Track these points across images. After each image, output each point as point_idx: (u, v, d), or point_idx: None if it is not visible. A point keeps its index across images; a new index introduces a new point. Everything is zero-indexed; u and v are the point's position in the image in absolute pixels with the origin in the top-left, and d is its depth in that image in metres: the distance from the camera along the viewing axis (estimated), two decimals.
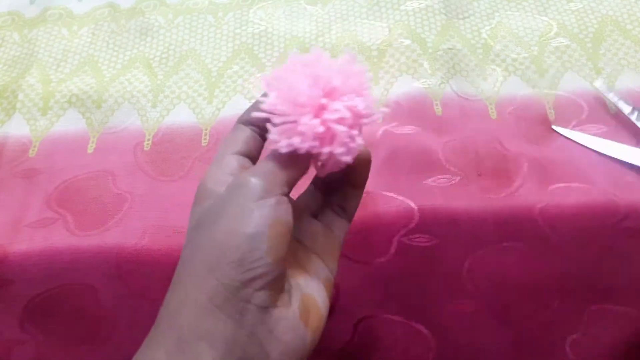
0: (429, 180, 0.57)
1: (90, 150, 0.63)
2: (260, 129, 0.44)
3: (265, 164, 0.39)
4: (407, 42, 0.68)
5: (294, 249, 0.43)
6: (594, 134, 0.59)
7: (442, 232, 0.54)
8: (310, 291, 0.40)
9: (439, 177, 0.57)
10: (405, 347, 0.53)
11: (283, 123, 0.39)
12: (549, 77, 0.64)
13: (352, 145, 0.39)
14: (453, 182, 0.57)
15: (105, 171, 0.61)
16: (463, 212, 0.54)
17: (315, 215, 0.46)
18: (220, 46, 0.70)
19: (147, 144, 0.63)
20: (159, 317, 0.37)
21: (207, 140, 0.63)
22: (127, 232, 0.57)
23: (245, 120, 0.44)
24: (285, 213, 0.38)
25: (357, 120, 0.40)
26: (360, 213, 0.53)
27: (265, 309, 0.36)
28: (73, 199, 0.59)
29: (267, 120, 0.39)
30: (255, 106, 0.43)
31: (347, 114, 0.39)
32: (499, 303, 0.53)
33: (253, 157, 0.44)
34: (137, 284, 0.54)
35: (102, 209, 0.59)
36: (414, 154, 0.59)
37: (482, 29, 0.69)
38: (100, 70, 0.69)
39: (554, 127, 0.60)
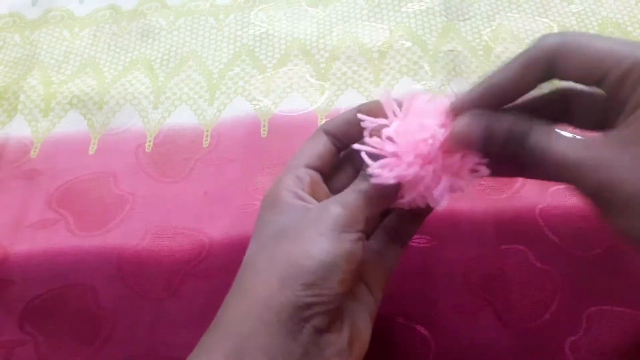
0: None
1: (91, 151, 0.63)
2: (339, 141, 0.45)
3: (351, 196, 0.40)
4: (408, 44, 0.68)
5: None
6: (594, 134, 0.59)
7: (443, 233, 0.54)
8: (359, 322, 0.41)
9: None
10: (406, 349, 0.53)
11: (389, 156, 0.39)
12: None
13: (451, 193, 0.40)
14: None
15: (106, 172, 0.61)
16: (464, 213, 0.54)
17: (368, 238, 0.46)
18: (221, 48, 0.70)
19: (149, 145, 0.63)
20: (218, 318, 0.38)
21: (208, 142, 0.63)
22: (128, 233, 0.57)
23: (328, 130, 0.45)
24: (360, 251, 0.39)
25: (463, 171, 0.40)
26: None
27: (321, 332, 0.37)
28: (74, 200, 0.60)
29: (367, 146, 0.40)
30: (348, 118, 0.44)
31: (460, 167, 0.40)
32: (499, 305, 0.53)
33: (324, 171, 0.44)
34: (139, 285, 0.54)
35: (103, 210, 0.59)
36: None
37: (483, 31, 0.69)
38: (102, 72, 0.69)
39: None
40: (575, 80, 0.36)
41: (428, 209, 0.44)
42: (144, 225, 0.57)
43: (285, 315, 0.36)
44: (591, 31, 0.67)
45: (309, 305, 0.36)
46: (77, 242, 0.56)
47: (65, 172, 0.62)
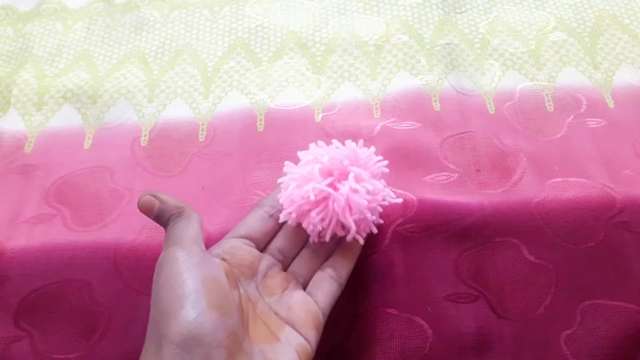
0: (428, 177, 0.57)
1: (86, 146, 0.63)
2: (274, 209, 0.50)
3: (183, 231, 0.44)
4: (405, 38, 0.68)
5: (266, 318, 0.45)
6: (593, 127, 0.60)
7: (439, 223, 0.54)
8: (276, 357, 0.42)
9: (438, 174, 0.57)
10: (402, 340, 0.53)
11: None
12: (547, 70, 0.64)
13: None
14: (451, 179, 0.57)
15: (102, 167, 0.61)
16: (461, 205, 0.54)
17: (307, 280, 0.49)
18: (216, 41, 0.70)
19: (144, 139, 0.63)
20: None
21: (204, 136, 0.62)
22: (125, 228, 0.56)
23: (262, 205, 0.51)
24: (215, 269, 0.43)
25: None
26: None
27: None
28: (71, 195, 0.59)
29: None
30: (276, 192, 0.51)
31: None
32: (495, 297, 0.53)
33: (256, 238, 0.49)
34: (135, 280, 0.54)
35: (100, 204, 0.59)
36: (412, 150, 0.59)
37: (480, 24, 0.69)
38: (96, 66, 0.69)
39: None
40: None
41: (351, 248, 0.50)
42: (141, 220, 0.57)
43: None
44: (588, 23, 0.67)
45: (197, 342, 0.38)
46: (74, 237, 0.56)
47: (60, 167, 0.62)
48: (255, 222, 0.50)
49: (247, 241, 0.49)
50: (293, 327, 0.45)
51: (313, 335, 0.45)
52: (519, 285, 0.53)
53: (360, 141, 0.49)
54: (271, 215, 0.50)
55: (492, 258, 0.54)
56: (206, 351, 0.38)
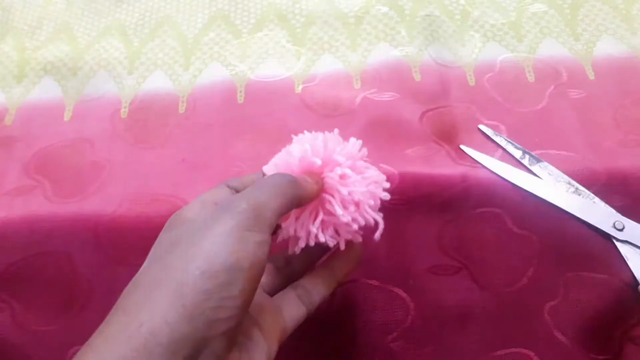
0: (409, 150, 0.57)
1: (67, 118, 0.63)
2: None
3: (256, 190, 0.37)
4: (385, 9, 0.67)
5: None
6: (574, 99, 0.60)
7: (417, 195, 0.54)
8: (256, 357, 0.37)
9: (419, 146, 0.57)
10: (384, 311, 0.53)
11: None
12: (528, 42, 0.64)
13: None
14: (433, 151, 0.57)
15: (82, 139, 0.61)
16: (442, 178, 0.54)
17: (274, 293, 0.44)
18: (196, 13, 0.70)
19: (124, 111, 0.63)
20: (89, 347, 0.31)
21: (184, 108, 0.62)
22: (105, 200, 0.56)
23: (230, 184, 0.43)
24: (265, 257, 0.35)
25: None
26: None
27: (219, 358, 0.33)
28: (51, 167, 0.59)
29: None
30: (253, 178, 0.45)
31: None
32: (477, 268, 0.53)
33: None
34: (116, 251, 0.54)
35: (80, 176, 0.59)
36: (393, 123, 0.59)
37: None
38: (76, 38, 0.69)
39: (462, 147, 0.58)
40: None
41: (341, 266, 0.45)
42: (121, 192, 0.57)
43: (177, 340, 0.30)
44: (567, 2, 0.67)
45: (208, 323, 0.31)
46: (54, 208, 0.56)
47: (41, 139, 0.62)
48: (219, 193, 0.42)
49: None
50: (260, 331, 0.39)
51: (273, 349, 0.40)
52: (502, 256, 0.54)
53: (335, 130, 0.47)
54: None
55: (474, 229, 0.54)
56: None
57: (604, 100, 0.60)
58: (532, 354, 0.52)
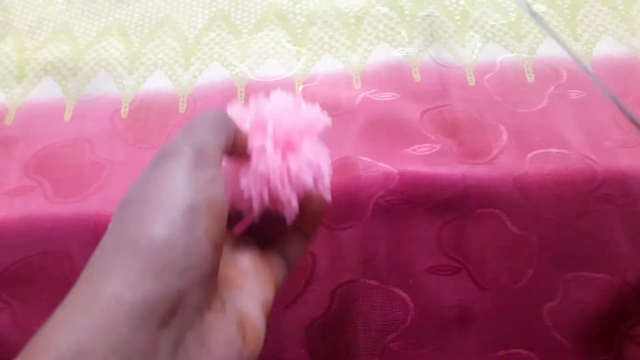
0: (409, 149, 0.57)
1: (67, 118, 0.63)
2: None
3: (195, 129, 0.34)
4: (385, 9, 0.67)
5: (226, 268, 0.37)
6: (574, 99, 0.60)
7: (420, 195, 0.54)
8: (246, 307, 0.35)
9: (419, 146, 0.57)
10: (384, 311, 0.53)
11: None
12: (528, 42, 0.64)
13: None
14: (433, 151, 0.57)
15: (83, 139, 0.61)
16: (442, 177, 0.54)
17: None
18: (196, 13, 0.70)
19: (124, 111, 0.63)
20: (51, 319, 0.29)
21: (184, 108, 0.63)
22: (105, 200, 0.56)
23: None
24: (221, 192, 0.33)
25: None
26: (338, 177, 0.53)
27: (199, 310, 0.31)
28: (51, 167, 0.59)
29: None
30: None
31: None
32: (477, 268, 0.53)
33: None
34: None
35: (80, 176, 0.58)
36: (393, 122, 0.59)
37: None
38: (76, 38, 0.69)
39: None
40: None
41: (308, 228, 0.42)
42: (122, 192, 0.56)
43: (144, 299, 0.28)
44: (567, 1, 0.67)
45: (177, 274, 0.29)
46: (54, 209, 0.56)
47: (41, 139, 0.61)
48: None
49: None
50: (255, 279, 0.38)
51: (272, 297, 0.38)
52: (502, 257, 0.54)
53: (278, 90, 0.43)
54: None
55: (474, 230, 0.54)
56: (184, 287, 0.30)
57: (604, 101, 0.60)
58: (532, 354, 0.52)
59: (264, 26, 0.68)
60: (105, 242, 0.31)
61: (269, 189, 0.38)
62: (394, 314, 0.53)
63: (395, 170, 0.54)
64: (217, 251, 0.32)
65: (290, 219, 0.39)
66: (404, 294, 0.53)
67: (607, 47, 0.64)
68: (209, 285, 0.31)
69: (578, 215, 0.53)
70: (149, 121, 0.62)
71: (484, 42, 0.65)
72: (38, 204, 0.56)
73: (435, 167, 0.55)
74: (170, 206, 0.30)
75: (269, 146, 0.38)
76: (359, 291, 0.54)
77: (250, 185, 0.38)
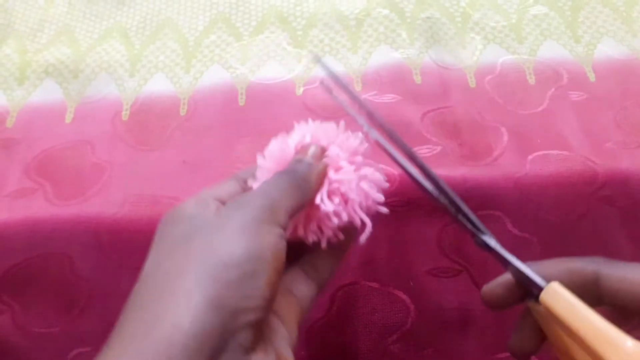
0: None
1: (68, 120, 0.63)
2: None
3: (269, 188, 0.36)
4: (385, 11, 0.67)
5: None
6: (575, 101, 0.60)
7: (421, 197, 0.54)
8: (283, 350, 0.36)
9: (420, 147, 0.57)
10: (385, 314, 0.53)
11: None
12: (528, 44, 0.64)
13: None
14: (434, 152, 0.57)
15: (84, 141, 0.61)
16: (442, 179, 0.54)
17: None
18: (197, 15, 0.70)
19: (126, 113, 0.63)
20: (110, 348, 0.30)
21: (185, 110, 0.63)
22: (106, 202, 0.56)
23: (239, 177, 0.42)
24: (284, 250, 0.34)
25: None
26: None
27: (247, 351, 0.31)
28: (52, 169, 0.59)
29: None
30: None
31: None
32: (477, 270, 0.53)
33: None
34: (117, 254, 0.54)
35: (81, 178, 0.59)
36: (393, 124, 0.59)
37: None
38: (77, 40, 0.69)
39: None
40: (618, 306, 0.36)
41: (342, 246, 0.42)
42: (122, 194, 0.57)
43: (202, 331, 0.29)
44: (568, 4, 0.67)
45: (234, 313, 0.30)
46: (55, 211, 0.56)
47: (42, 141, 0.62)
48: (227, 186, 0.41)
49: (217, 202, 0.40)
50: (278, 317, 0.37)
51: (294, 333, 0.38)
52: None
53: (342, 123, 0.44)
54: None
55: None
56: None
57: (605, 102, 0.60)
58: (532, 357, 0.52)
59: (264, 28, 0.68)
60: (158, 267, 0.33)
61: (348, 209, 0.40)
62: (395, 316, 0.53)
63: (396, 172, 0.54)
64: (273, 299, 0.33)
65: (363, 240, 0.40)
66: (404, 296, 0.53)
67: (608, 49, 0.64)
68: (258, 328, 0.32)
69: (579, 216, 0.53)
70: (149, 123, 0.62)
71: (484, 44, 0.65)
72: (39, 206, 0.56)
73: (436, 169, 0.55)
74: (239, 251, 0.32)
75: (347, 166, 0.40)
76: (360, 293, 0.54)
77: (329, 206, 0.39)
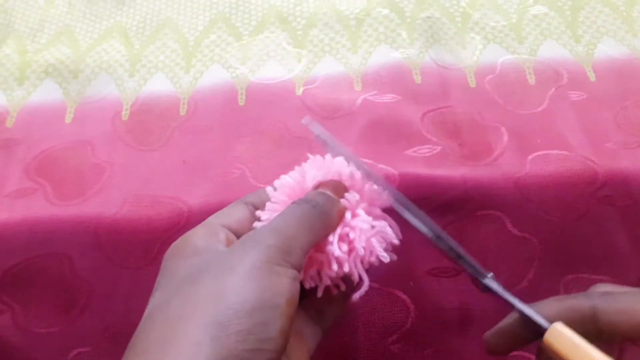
0: (410, 151, 0.57)
1: (68, 120, 0.63)
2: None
3: (285, 224, 0.35)
4: (385, 11, 0.67)
5: None
6: (575, 101, 0.60)
7: (421, 197, 0.54)
8: None
9: (420, 147, 0.57)
10: (384, 313, 0.53)
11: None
12: (528, 44, 0.64)
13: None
14: (434, 152, 0.57)
15: (83, 141, 0.61)
16: (443, 179, 0.54)
17: None
18: (197, 15, 0.70)
19: (125, 113, 0.63)
20: None
21: (185, 110, 0.63)
22: (106, 202, 0.56)
23: (248, 201, 0.41)
24: (298, 293, 0.33)
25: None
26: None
27: None
28: (52, 169, 0.59)
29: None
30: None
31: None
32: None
33: (240, 235, 0.38)
34: (116, 254, 0.54)
35: (81, 178, 0.59)
36: (394, 124, 0.59)
37: None
38: (77, 40, 0.69)
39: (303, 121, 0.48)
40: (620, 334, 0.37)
41: (343, 291, 0.41)
42: (122, 194, 0.57)
43: None
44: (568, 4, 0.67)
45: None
46: (55, 211, 0.56)
47: (42, 141, 0.62)
48: (236, 211, 0.40)
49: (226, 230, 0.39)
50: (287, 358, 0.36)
51: None
52: (502, 258, 0.53)
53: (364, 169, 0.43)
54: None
55: (474, 232, 0.54)
56: None
57: (605, 102, 0.60)
58: (532, 356, 0.52)
59: (264, 28, 0.68)
60: (166, 306, 0.31)
61: (350, 260, 0.38)
62: (395, 316, 0.53)
63: (396, 172, 0.54)
64: (285, 348, 0.31)
65: (356, 298, 0.40)
66: (404, 296, 0.53)
67: (608, 49, 0.64)
68: None
69: (579, 216, 0.53)
70: (149, 123, 0.62)
71: (484, 44, 0.65)
72: (39, 206, 0.56)
73: (436, 169, 0.55)
74: (251, 297, 0.30)
75: (364, 215, 0.39)
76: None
77: (336, 251, 0.37)
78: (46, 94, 0.65)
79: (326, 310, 0.41)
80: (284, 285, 0.31)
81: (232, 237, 0.38)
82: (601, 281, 0.52)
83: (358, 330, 0.53)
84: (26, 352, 0.53)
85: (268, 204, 0.40)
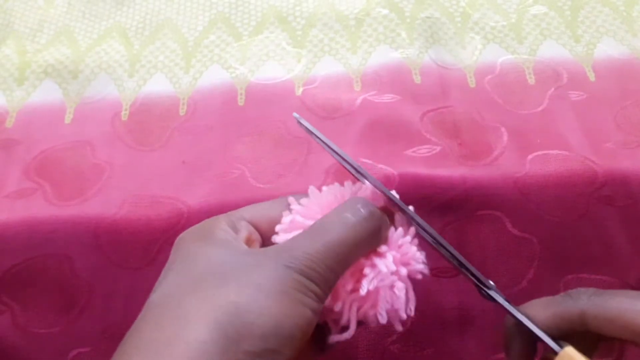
0: (409, 151, 0.57)
1: (67, 120, 0.63)
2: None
3: (324, 251, 0.32)
4: (385, 11, 0.67)
5: None
6: (575, 101, 0.60)
7: (420, 197, 0.54)
8: None
9: (420, 147, 0.57)
10: None
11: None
12: (528, 44, 0.64)
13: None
14: (434, 152, 0.57)
15: (83, 141, 0.61)
16: (442, 179, 0.54)
17: None
18: (196, 15, 0.70)
19: (125, 114, 0.63)
20: None
21: (185, 110, 0.63)
22: (106, 202, 0.56)
23: (284, 201, 0.39)
24: (314, 325, 0.32)
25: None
26: (338, 179, 0.53)
27: None
28: (52, 170, 0.59)
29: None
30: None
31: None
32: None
33: (266, 238, 0.38)
34: (116, 254, 0.54)
35: (81, 179, 0.59)
36: (393, 124, 0.59)
37: None
38: (76, 41, 0.69)
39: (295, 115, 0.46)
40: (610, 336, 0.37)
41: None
42: (122, 194, 0.57)
43: None
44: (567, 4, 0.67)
45: None
46: (55, 211, 0.56)
47: (41, 142, 0.62)
48: (268, 207, 0.39)
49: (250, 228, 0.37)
50: None
51: None
52: (502, 258, 0.53)
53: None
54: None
55: (474, 231, 0.54)
56: None
57: (605, 102, 0.60)
58: None
59: (264, 28, 0.68)
60: (184, 298, 0.30)
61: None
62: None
63: (395, 172, 0.54)
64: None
65: (332, 341, 0.38)
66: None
67: (608, 48, 0.64)
68: None
69: (579, 216, 0.53)
70: (149, 123, 0.62)
71: (484, 44, 0.65)
72: (39, 207, 0.56)
73: (436, 169, 0.55)
74: (271, 322, 0.29)
75: (390, 259, 0.37)
76: None
77: (364, 288, 0.35)
78: (46, 94, 0.65)
79: (326, 333, 0.39)
80: (306, 317, 0.30)
81: (256, 235, 0.37)
82: (601, 281, 0.52)
83: (357, 330, 0.52)
84: (26, 353, 0.53)
85: (299, 211, 0.38)
